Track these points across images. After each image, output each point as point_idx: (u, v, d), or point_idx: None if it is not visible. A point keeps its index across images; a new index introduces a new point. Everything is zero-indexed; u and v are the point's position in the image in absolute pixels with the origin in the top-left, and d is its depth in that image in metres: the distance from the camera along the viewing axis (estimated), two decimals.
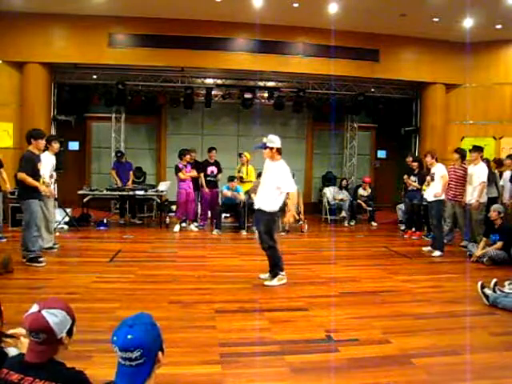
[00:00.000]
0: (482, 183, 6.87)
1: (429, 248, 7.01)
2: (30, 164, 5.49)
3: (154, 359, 1.51)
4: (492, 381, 2.82)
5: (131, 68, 9.77)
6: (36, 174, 5.55)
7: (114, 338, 1.48)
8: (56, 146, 6.50)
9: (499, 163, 8.11)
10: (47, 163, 6.13)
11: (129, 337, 1.45)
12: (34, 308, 1.66)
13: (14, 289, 4.48)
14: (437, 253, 6.73)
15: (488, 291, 4.30)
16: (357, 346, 3.30)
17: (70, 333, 1.70)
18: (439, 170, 6.90)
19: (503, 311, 4.09)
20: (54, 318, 1.64)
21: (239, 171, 8.96)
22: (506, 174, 7.53)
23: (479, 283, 4.38)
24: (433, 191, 6.82)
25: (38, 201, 5.58)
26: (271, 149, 4.94)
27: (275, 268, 4.97)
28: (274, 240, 4.95)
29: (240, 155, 9.14)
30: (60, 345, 1.68)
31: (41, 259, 5.50)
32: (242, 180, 8.68)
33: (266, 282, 4.93)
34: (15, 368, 1.61)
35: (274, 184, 4.91)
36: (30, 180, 5.43)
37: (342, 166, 12.33)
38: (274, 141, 4.96)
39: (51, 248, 6.35)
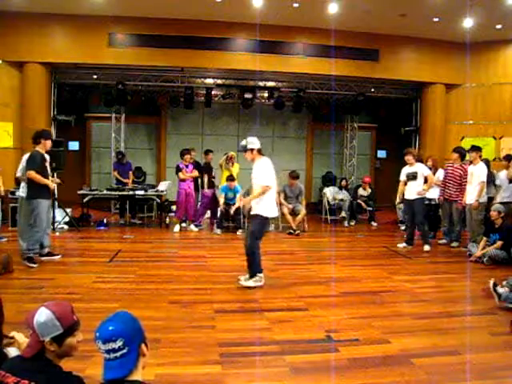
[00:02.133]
0: (481, 183, 6.86)
1: (404, 244, 7.20)
2: (39, 163, 5.54)
3: (138, 350, 1.56)
4: (492, 381, 2.82)
5: (131, 68, 9.78)
6: (45, 173, 5.64)
7: (97, 334, 1.54)
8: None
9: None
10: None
11: (110, 328, 1.52)
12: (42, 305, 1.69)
13: (14, 289, 4.48)
14: (426, 247, 7.00)
15: (500, 290, 4.28)
16: (357, 346, 3.29)
17: (57, 341, 1.66)
18: (422, 169, 7.08)
19: (505, 311, 4.09)
20: (40, 318, 1.64)
21: (228, 169, 8.89)
22: (502, 174, 7.60)
23: (491, 282, 4.36)
24: (415, 189, 7.00)
25: (47, 200, 5.65)
26: (251, 150, 4.88)
27: (253, 269, 4.83)
28: (258, 245, 4.85)
29: (226, 154, 9.06)
30: (44, 348, 1.65)
31: (35, 260, 5.49)
32: (232, 178, 8.62)
33: (243, 282, 4.81)
34: (12, 370, 1.61)
35: (258, 183, 4.85)
36: (39, 177, 5.48)
37: (342, 166, 12.33)
38: (253, 142, 4.89)
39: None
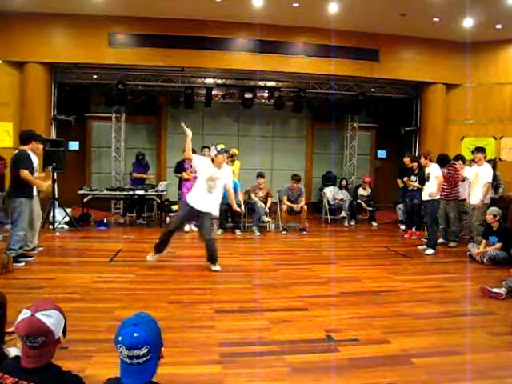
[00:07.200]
0: (486, 184, 6.85)
1: (424, 246, 7.09)
2: (29, 162, 5.52)
3: (159, 354, 1.57)
4: (492, 380, 2.82)
5: (131, 68, 9.77)
6: (33, 174, 5.61)
7: (119, 338, 1.50)
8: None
9: None
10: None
11: (135, 335, 1.49)
12: (26, 313, 1.63)
13: (14, 289, 4.47)
14: (429, 251, 6.83)
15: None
16: (357, 346, 3.29)
17: (64, 332, 1.70)
18: (434, 170, 6.96)
19: (505, 311, 4.09)
20: (50, 319, 1.63)
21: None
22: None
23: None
24: (428, 191, 6.92)
25: (29, 200, 5.57)
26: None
27: (215, 257, 5.56)
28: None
29: (227, 152, 8.99)
30: (57, 344, 1.68)
31: (21, 259, 5.42)
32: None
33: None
34: (11, 371, 1.59)
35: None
36: (31, 178, 5.47)
37: (342, 166, 12.33)
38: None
39: (33, 249, 6.03)
